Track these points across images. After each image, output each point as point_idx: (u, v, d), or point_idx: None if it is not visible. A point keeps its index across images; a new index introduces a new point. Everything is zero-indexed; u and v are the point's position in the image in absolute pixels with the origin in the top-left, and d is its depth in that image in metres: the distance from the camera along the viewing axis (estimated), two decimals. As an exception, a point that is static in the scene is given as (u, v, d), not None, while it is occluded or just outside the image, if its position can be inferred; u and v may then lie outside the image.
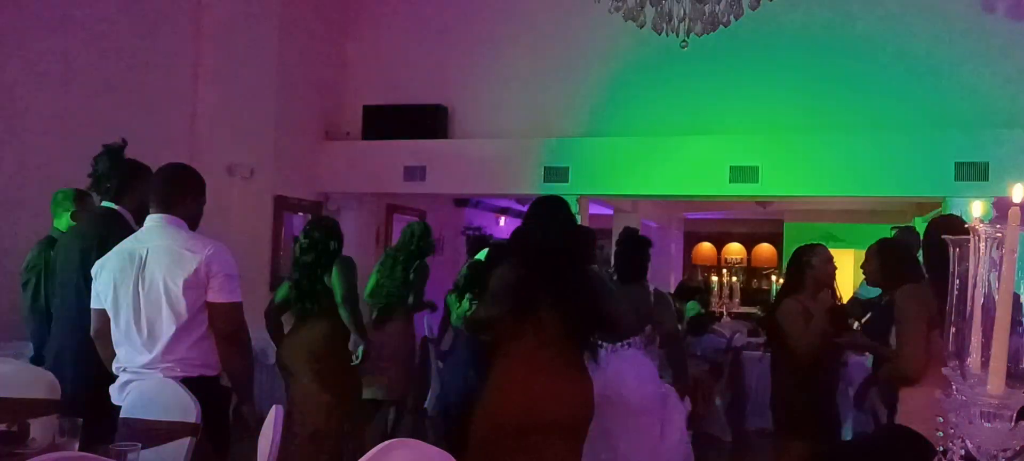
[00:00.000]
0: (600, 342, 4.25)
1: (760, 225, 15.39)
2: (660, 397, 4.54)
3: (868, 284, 4.75)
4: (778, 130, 8.17)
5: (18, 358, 3.88)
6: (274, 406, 2.76)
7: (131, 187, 3.58)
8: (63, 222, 4.31)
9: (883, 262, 4.26)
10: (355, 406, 4.95)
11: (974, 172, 7.31)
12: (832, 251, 4.67)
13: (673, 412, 4.55)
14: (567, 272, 3.42)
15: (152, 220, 3.19)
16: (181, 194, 3.23)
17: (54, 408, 3.07)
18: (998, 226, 1.34)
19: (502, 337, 3.42)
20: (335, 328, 4.64)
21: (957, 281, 1.43)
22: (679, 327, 5.11)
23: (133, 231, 3.33)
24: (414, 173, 9.13)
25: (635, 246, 4.90)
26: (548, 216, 3.58)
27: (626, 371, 4.37)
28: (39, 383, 3.17)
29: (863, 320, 4.72)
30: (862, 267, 4.56)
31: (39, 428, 2.78)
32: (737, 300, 11.21)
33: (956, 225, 3.94)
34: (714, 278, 11.69)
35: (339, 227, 4.95)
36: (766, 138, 8.14)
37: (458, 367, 4.76)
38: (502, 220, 13.42)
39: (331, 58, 9.64)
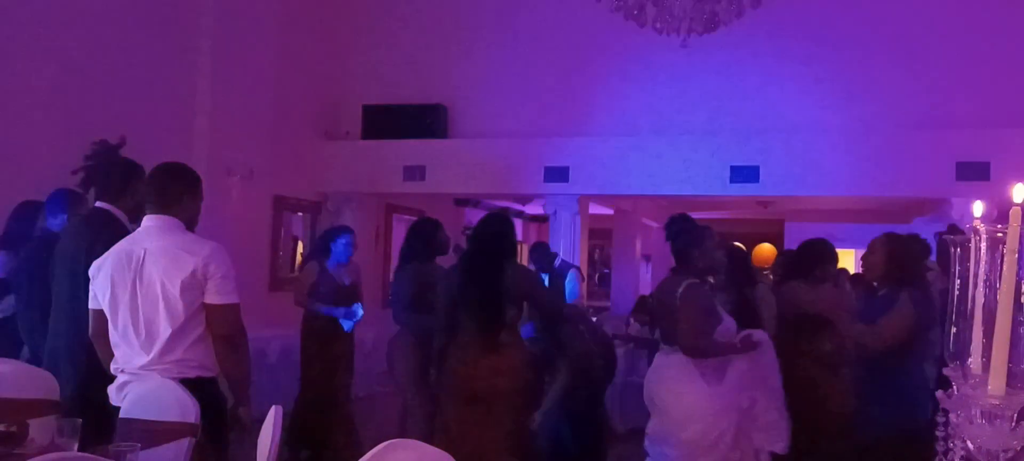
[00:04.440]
0: (663, 345, 4.26)
1: (761, 225, 15.38)
2: (708, 407, 4.05)
3: (866, 276, 4.69)
4: (778, 130, 8.17)
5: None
6: (273, 406, 2.75)
7: (129, 187, 3.56)
8: (58, 222, 4.30)
9: (889, 256, 4.21)
10: None
11: (975, 172, 7.30)
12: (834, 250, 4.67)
13: (722, 420, 4.07)
14: (479, 275, 4.14)
15: (149, 220, 3.16)
16: (177, 194, 3.19)
17: (53, 409, 3.07)
18: (999, 226, 1.33)
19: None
20: None
21: (957, 281, 1.43)
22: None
23: (127, 232, 3.30)
24: (414, 173, 9.13)
25: None
26: (473, 237, 4.41)
27: (664, 376, 4.17)
28: (38, 384, 3.16)
29: None
30: (864, 258, 4.50)
31: (38, 428, 2.77)
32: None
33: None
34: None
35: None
36: (767, 138, 8.14)
37: None
38: (502, 220, 13.39)
39: (331, 58, 9.64)
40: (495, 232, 4.27)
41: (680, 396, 4.07)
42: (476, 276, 4.13)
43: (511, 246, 4.27)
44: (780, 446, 4.17)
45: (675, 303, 4.06)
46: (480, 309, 4.07)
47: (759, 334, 4.26)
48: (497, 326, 4.05)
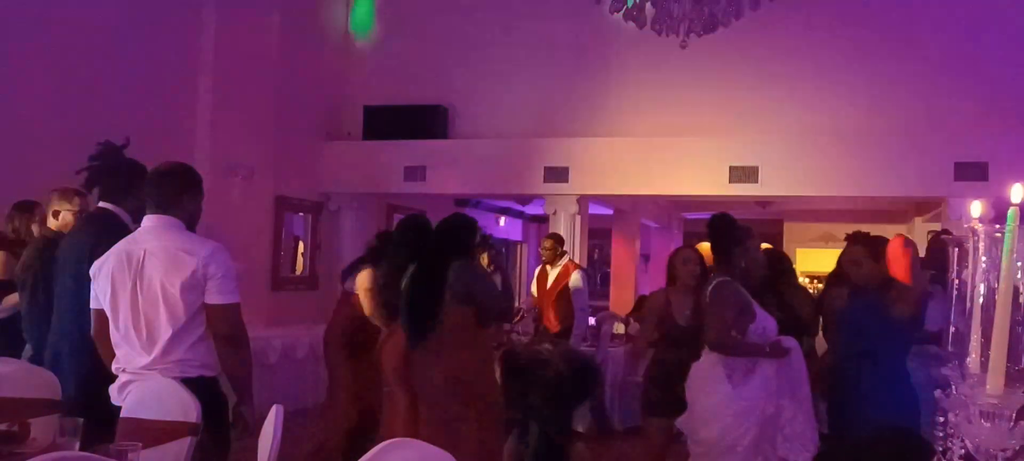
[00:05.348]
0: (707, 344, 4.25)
1: (760, 225, 15.40)
2: (728, 409, 4.03)
3: (852, 276, 4.52)
4: (778, 130, 8.17)
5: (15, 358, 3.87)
6: (274, 406, 2.75)
7: (134, 188, 3.56)
8: (59, 222, 4.31)
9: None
10: None
11: (974, 172, 7.31)
12: (831, 250, 4.64)
13: (742, 423, 4.01)
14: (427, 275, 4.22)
15: (149, 220, 3.15)
16: (178, 194, 3.18)
17: (55, 408, 3.07)
18: (998, 226, 1.34)
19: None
20: None
21: (956, 280, 1.44)
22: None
23: (130, 231, 3.30)
24: (414, 173, 9.14)
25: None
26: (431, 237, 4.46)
27: (696, 374, 4.17)
28: (40, 383, 3.17)
29: None
30: (854, 261, 4.40)
31: (40, 428, 2.78)
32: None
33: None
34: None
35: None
36: (766, 138, 8.14)
37: None
38: (502, 220, 13.42)
39: (332, 59, 9.65)
40: (446, 230, 4.36)
41: (704, 395, 4.08)
42: (424, 275, 4.22)
43: (463, 244, 4.29)
44: (805, 457, 4.09)
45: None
46: (421, 307, 4.17)
47: (789, 341, 4.18)
48: (434, 323, 4.10)
